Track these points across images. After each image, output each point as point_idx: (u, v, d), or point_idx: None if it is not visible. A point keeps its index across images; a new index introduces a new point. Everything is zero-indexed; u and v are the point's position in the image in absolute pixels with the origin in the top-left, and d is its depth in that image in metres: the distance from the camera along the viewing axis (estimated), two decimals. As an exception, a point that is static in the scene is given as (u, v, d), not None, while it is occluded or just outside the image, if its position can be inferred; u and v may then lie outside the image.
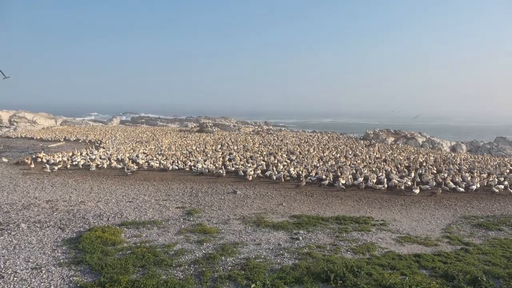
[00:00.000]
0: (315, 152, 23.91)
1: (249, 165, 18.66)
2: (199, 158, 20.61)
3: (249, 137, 35.23)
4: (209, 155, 22.09)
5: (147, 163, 19.31)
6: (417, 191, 14.23)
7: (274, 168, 17.67)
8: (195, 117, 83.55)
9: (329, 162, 19.88)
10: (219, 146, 26.93)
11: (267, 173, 17.01)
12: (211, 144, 28.28)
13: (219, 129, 45.52)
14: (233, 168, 18.17)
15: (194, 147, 25.66)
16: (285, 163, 19.51)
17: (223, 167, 18.30)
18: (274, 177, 16.21)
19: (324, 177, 16.21)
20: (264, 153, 23.47)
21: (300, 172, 16.94)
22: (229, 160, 20.71)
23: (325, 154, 23.09)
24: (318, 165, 19.23)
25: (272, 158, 20.96)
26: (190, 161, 19.85)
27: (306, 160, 20.37)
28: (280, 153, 23.02)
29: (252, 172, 16.96)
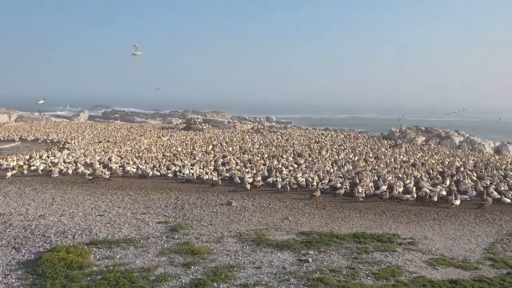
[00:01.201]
0: (328, 155, 23.96)
1: (247, 170, 18.69)
2: (186, 162, 20.63)
3: (247, 136, 35.24)
4: (198, 158, 22.11)
5: (121, 168, 19.35)
6: (458, 202, 14.21)
7: (278, 174, 17.70)
8: (181, 112, 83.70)
9: (345, 167, 19.92)
10: (210, 147, 26.97)
11: (269, 180, 17.04)
12: (201, 144, 28.30)
13: (210, 126, 45.59)
14: (227, 174, 18.20)
15: (179, 149, 25.71)
16: (292, 168, 19.53)
17: (215, 173, 18.33)
18: (279, 185, 16.25)
19: (339, 185, 16.22)
20: (266, 155, 23.50)
21: (310, 179, 16.99)
22: (223, 164, 20.75)
23: (340, 157, 23.14)
24: (331, 170, 19.24)
25: (276, 162, 21.00)
26: (175, 165, 19.88)
27: (317, 165, 20.41)
28: (285, 156, 23.06)
29: (251, 179, 16.98)
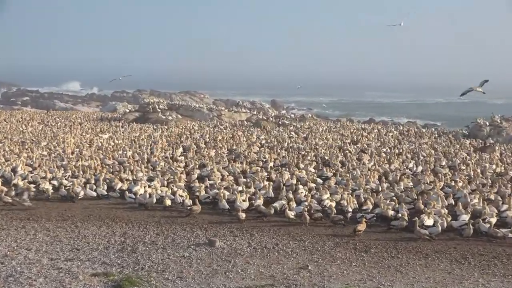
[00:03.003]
0: (373, 164, 23.93)
1: (240, 188, 18.63)
2: (140, 175, 20.60)
3: (240, 133, 35.14)
4: (159, 169, 22.11)
5: (33, 185, 19.25)
6: None
7: (291, 195, 17.65)
8: (132, 93, 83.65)
9: (402, 183, 19.88)
10: (180, 150, 26.93)
11: (277, 205, 16.99)
12: (164, 146, 28.21)
13: (179, 116, 45.51)
14: (208, 195, 18.17)
15: (129, 153, 25.68)
16: (313, 185, 19.51)
17: (185, 193, 18.26)
18: (291, 214, 16.21)
19: (390, 213, 16.18)
20: (271, 164, 23.46)
21: (345, 203, 16.91)
22: (201, 178, 20.72)
23: (393, 167, 23.12)
24: (379, 188, 19.21)
25: (287, 175, 20.99)
26: (122, 181, 19.82)
27: (354, 179, 20.39)
28: (303, 165, 23.05)
29: (247, 203, 16.92)
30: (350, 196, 17.81)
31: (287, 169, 22.21)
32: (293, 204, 16.83)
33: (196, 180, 20.33)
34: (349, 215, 16.42)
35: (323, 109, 71.08)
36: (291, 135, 34.67)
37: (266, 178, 20.60)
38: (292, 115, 53.64)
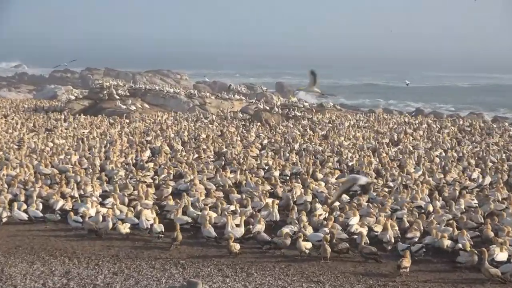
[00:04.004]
0: (421, 173, 23.89)
1: (231, 208, 18.68)
2: (89, 190, 20.58)
3: (232, 129, 35.32)
4: (117, 180, 22.19)
5: None
6: None
7: (304, 218, 17.62)
8: (79, 72, 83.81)
9: (462, 202, 19.80)
10: (147, 154, 27.08)
11: (288, 231, 16.89)
12: (124, 149, 28.29)
13: (146, 105, 45.59)
14: (186, 219, 18.00)
15: (75, 158, 25.65)
16: (337, 205, 19.39)
17: (154, 213, 18.17)
18: (305, 246, 16.10)
19: (447, 243, 16.13)
20: (276, 173, 23.43)
21: (381, 230, 16.87)
22: (176, 193, 20.70)
23: (449, 178, 23.06)
24: (430, 208, 19.21)
25: (299, 189, 20.99)
26: (64, 198, 19.78)
27: (395, 196, 20.36)
28: (321, 175, 23.17)
29: (242, 229, 16.95)
30: (389, 219, 17.68)
31: (299, 181, 22.13)
32: (308, 231, 16.72)
33: (170, 197, 20.13)
34: (389, 246, 16.35)
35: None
36: (305, 133, 34.55)
37: (268, 191, 20.58)
38: (306, 104, 53.12)
